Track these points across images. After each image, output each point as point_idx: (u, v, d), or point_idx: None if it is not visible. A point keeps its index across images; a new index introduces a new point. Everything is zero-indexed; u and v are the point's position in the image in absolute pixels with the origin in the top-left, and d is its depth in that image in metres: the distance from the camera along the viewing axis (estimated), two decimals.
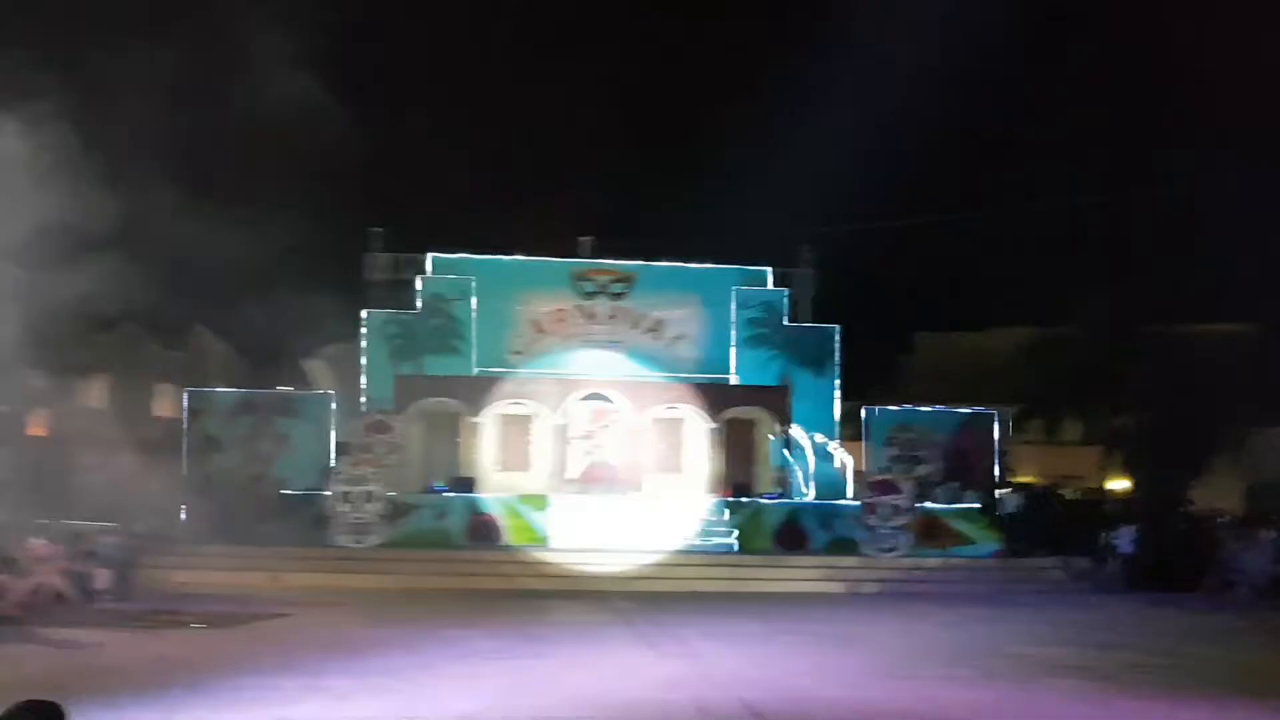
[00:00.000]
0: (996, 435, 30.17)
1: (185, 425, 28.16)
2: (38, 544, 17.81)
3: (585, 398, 28.47)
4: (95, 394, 35.02)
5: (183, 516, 24.66)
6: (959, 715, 10.55)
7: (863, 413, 30.16)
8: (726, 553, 24.69)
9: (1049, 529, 26.25)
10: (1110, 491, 33.00)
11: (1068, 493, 30.88)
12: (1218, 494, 28.85)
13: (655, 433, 28.73)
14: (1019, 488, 30.11)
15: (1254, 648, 16.19)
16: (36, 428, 27.48)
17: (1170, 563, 23.61)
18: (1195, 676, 13.21)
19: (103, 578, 18.42)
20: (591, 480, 27.87)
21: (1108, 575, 24.12)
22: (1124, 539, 25.15)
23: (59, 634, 13.90)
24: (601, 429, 29.05)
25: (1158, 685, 12.39)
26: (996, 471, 29.79)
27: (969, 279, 46.04)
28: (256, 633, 15.59)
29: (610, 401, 28.55)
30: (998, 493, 28.73)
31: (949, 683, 12.23)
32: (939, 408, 30.86)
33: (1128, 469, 31.54)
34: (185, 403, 28.54)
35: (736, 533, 25.24)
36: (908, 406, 31.09)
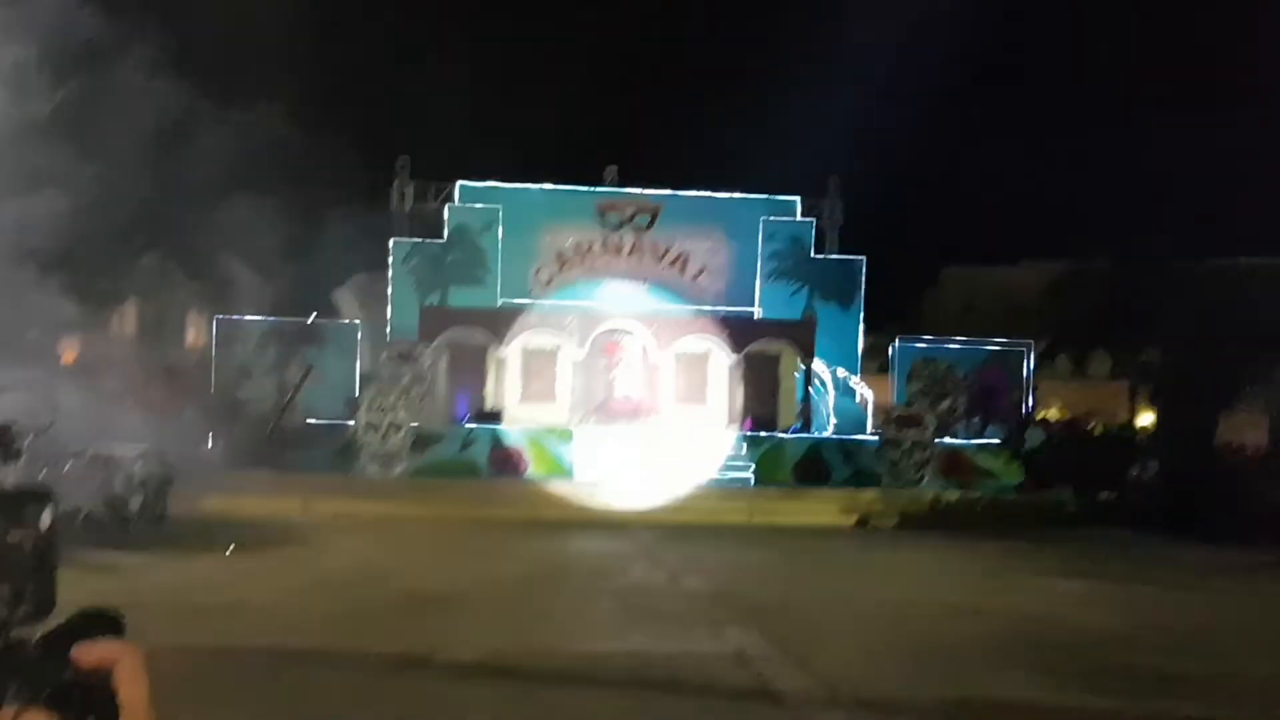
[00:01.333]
0: (1030, 370, 30.06)
1: (213, 353, 28.47)
2: (71, 469, 18.15)
3: (609, 331, 28.57)
4: (127, 322, 35.38)
5: (211, 444, 25.04)
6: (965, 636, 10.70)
7: (894, 345, 30.06)
8: (745, 486, 24.89)
9: (1073, 464, 26.27)
10: (1137, 426, 32.94)
11: (1094, 427, 30.83)
12: (1244, 428, 28.74)
13: (679, 366, 28.84)
14: (1042, 422, 30.09)
15: (1272, 581, 16.27)
16: (68, 355, 27.83)
17: (1194, 497, 23.57)
18: (1214, 609, 13.33)
19: (135, 502, 18.78)
20: (615, 413, 28.07)
21: (1131, 509, 24.14)
22: (1150, 473, 25.15)
23: (93, 557, 14.23)
24: (625, 362, 29.19)
25: (1176, 620, 12.50)
26: (1028, 406, 29.72)
27: (999, 213, 45.69)
28: (287, 558, 15.92)
29: (634, 335, 28.65)
30: (1027, 426, 28.68)
31: (958, 611, 12.36)
32: (968, 341, 30.75)
33: (1154, 403, 31.43)
34: (213, 330, 28.81)
35: (754, 466, 25.42)
36: (936, 340, 31.00)
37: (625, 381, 29.18)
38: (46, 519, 1.08)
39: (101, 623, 1.08)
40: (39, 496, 1.09)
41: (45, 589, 1.08)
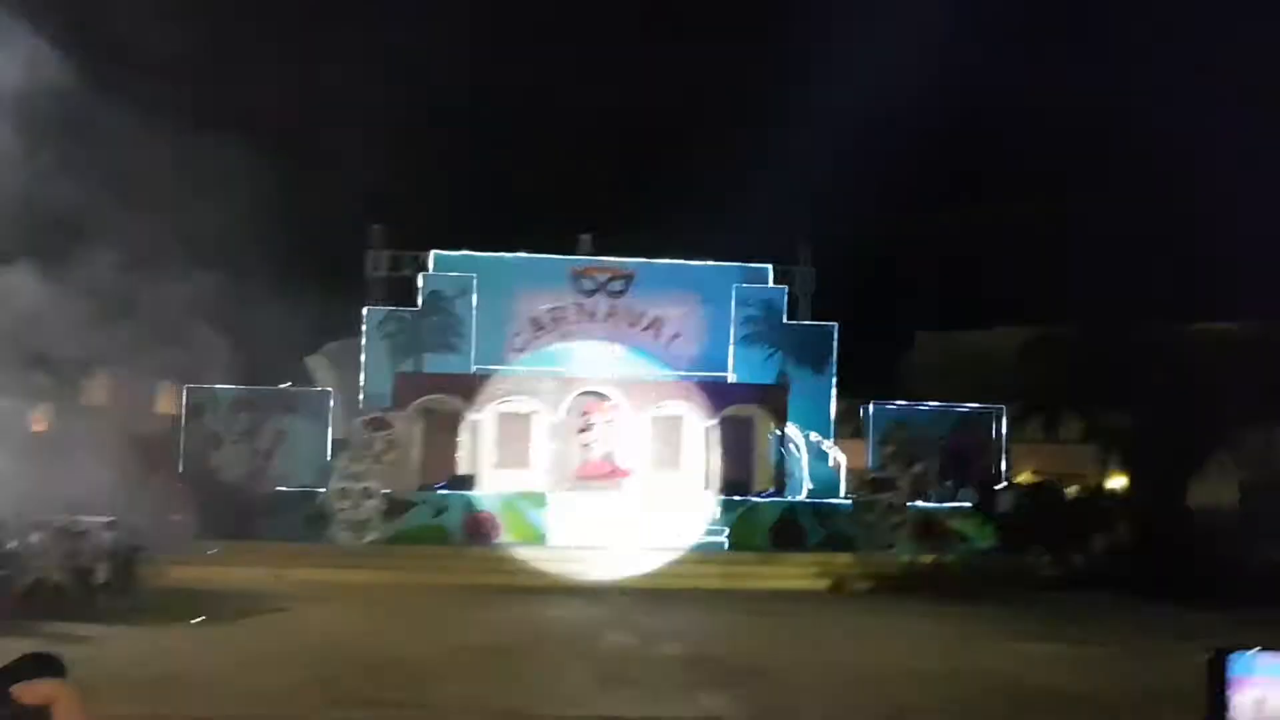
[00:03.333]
0: (1003, 432, 30.19)
1: (184, 421, 28.29)
2: (38, 539, 17.94)
3: (584, 395, 28.59)
4: (96, 391, 35.11)
5: (181, 513, 24.77)
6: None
7: (869, 408, 30.13)
8: (720, 550, 24.82)
9: (1045, 527, 26.31)
10: (1109, 490, 33.03)
11: (1068, 491, 30.89)
12: (1213, 493, 28.91)
13: (653, 430, 28.84)
14: (1014, 485, 30.16)
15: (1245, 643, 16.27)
16: (37, 424, 27.59)
17: (1165, 561, 23.64)
18: (1188, 671, 13.32)
19: (103, 573, 18.53)
20: (589, 478, 28.00)
21: (1103, 573, 24.20)
22: (1121, 537, 25.25)
23: (59, 628, 14.04)
24: (600, 427, 29.15)
25: (1151, 682, 12.50)
26: (1001, 469, 29.80)
27: (971, 277, 46.09)
28: (257, 627, 15.74)
29: (609, 399, 28.68)
30: (999, 489, 28.73)
31: (932, 677, 12.35)
32: (941, 405, 30.89)
33: (1125, 467, 31.57)
34: (184, 399, 28.63)
35: (729, 530, 25.42)
36: (909, 404, 31.13)
37: (600, 446, 29.12)
38: None
39: (43, 664, 1.10)
40: None
41: None
